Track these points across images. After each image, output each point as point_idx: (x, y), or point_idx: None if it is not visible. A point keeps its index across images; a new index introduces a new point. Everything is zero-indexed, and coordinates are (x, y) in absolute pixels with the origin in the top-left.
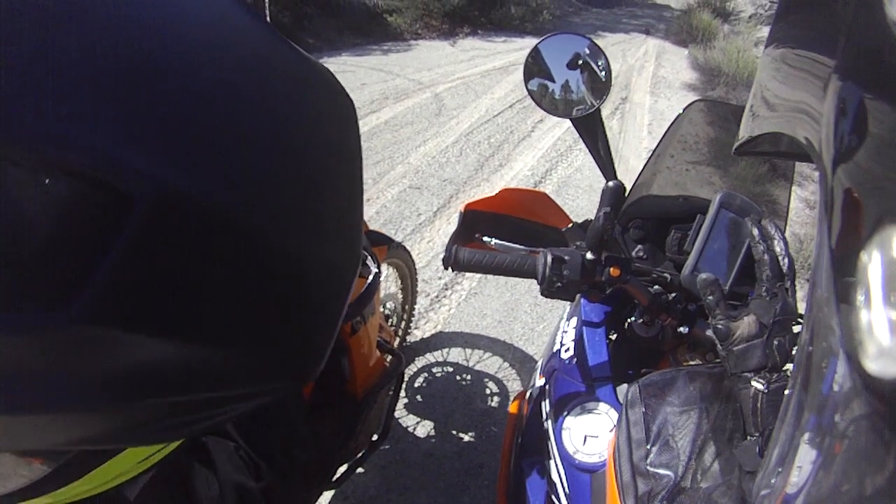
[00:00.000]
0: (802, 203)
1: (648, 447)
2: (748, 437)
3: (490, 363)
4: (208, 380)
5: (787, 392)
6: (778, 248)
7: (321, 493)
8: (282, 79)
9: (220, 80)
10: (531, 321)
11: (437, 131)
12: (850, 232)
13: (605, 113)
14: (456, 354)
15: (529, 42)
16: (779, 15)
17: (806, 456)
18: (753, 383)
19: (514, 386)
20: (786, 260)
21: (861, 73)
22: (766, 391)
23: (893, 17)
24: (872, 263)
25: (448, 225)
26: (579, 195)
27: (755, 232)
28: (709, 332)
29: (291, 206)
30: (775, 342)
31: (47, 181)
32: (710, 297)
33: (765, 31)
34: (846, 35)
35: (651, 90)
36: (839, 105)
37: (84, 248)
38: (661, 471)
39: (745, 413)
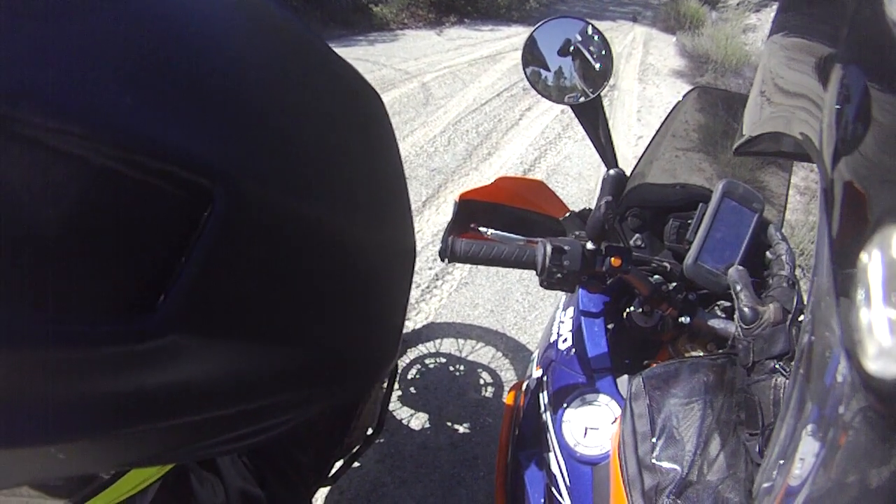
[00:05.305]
0: (792, 189)
1: (654, 440)
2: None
3: (483, 353)
4: (291, 380)
5: (788, 384)
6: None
7: (317, 490)
8: (333, 84)
9: (296, 90)
10: (523, 310)
11: (424, 121)
12: (849, 231)
13: None
14: (448, 345)
15: (516, 30)
16: (780, 10)
17: (809, 448)
18: (775, 377)
19: (508, 376)
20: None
21: (862, 71)
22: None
23: (893, 16)
24: (872, 263)
25: (437, 215)
26: (569, 183)
27: (774, 233)
28: (712, 322)
29: (362, 200)
30: (794, 330)
31: (128, 175)
32: (738, 284)
33: (753, 19)
34: (847, 33)
35: (639, 77)
36: (840, 100)
37: (164, 248)
38: (668, 464)
39: (765, 404)
